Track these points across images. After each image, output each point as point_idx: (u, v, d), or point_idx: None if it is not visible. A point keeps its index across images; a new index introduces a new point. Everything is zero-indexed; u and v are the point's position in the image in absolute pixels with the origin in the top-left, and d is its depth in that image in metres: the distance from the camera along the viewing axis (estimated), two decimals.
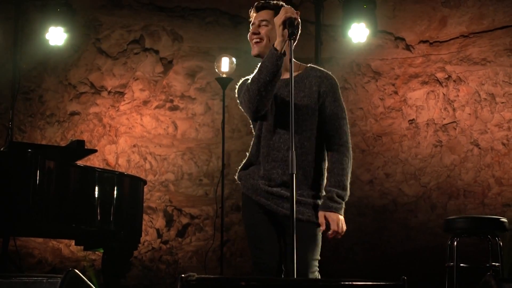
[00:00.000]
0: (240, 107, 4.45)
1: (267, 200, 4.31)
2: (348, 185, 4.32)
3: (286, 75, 4.33)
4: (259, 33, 4.38)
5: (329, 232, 4.24)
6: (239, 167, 4.57)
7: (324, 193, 4.32)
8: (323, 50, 9.83)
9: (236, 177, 4.57)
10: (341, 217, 4.25)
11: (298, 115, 4.25)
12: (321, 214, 4.25)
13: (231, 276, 7.40)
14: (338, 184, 4.27)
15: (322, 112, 4.35)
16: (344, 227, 4.26)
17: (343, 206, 4.28)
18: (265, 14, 4.42)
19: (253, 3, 4.54)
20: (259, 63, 4.24)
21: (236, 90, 4.57)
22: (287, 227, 4.16)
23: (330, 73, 4.49)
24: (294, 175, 3.87)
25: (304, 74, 4.43)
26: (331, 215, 4.23)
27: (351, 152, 4.38)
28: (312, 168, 4.32)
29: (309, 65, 4.51)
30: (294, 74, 4.24)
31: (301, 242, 4.00)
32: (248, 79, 4.44)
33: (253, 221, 4.41)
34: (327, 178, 4.34)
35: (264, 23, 4.38)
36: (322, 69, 4.50)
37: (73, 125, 10.18)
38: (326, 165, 4.39)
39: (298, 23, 4.14)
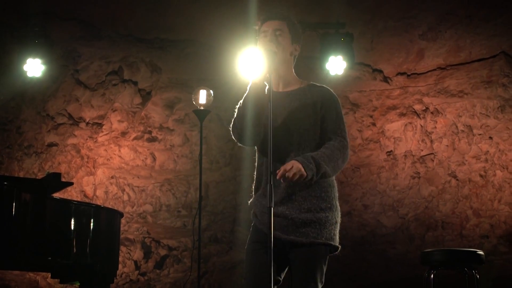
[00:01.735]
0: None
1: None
2: (327, 166, 4.17)
3: (286, 88, 4.38)
4: (277, 41, 4.35)
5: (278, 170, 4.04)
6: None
7: (330, 204, 4.29)
8: None
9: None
10: (300, 168, 4.04)
11: (299, 126, 4.27)
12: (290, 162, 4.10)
13: None
14: (319, 157, 4.14)
15: (321, 122, 4.33)
16: (294, 174, 4.01)
17: (313, 168, 4.09)
18: (278, 24, 4.41)
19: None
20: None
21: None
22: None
23: (330, 89, 4.49)
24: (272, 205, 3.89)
25: (306, 88, 4.43)
26: (295, 163, 4.05)
27: (347, 153, 4.36)
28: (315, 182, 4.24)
29: (311, 82, 4.51)
30: (295, 87, 4.39)
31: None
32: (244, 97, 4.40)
33: None
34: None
35: (278, 32, 4.38)
36: (323, 85, 4.51)
37: (51, 156, 10.14)
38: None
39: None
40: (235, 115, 4.29)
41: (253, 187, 4.45)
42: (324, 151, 4.19)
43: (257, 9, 8.28)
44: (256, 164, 4.44)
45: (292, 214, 4.18)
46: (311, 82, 4.50)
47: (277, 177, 4.01)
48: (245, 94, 4.27)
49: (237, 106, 4.35)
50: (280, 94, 4.32)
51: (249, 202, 4.50)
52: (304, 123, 4.28)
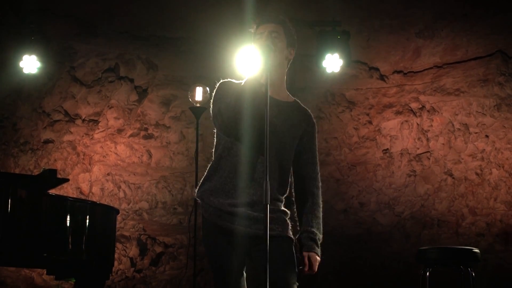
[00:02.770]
0: (211, 113, 4.37)
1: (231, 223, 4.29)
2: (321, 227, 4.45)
3: (277, 96, 4.36)
4: (273, 42, 4.34)
5: (306, 270, 4.29)
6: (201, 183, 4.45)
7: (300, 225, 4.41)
8: (297, 79, 9.87)
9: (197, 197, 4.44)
10: (318, 260, 4.33)
11: (284, 143, 4.31)
12: (305, 254, 4.30)
13: None
14: (319, 227, 4.37)
15: (301, 148, 4.40)
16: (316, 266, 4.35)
17: (318, 246, 4.37)
18: (274, 26, 4.40)
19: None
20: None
21: (214, 92, 4.42)
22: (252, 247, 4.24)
23: (311, 114, 4.55)
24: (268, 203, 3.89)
25: (295, 105, 4.47)
26: (316, 258, 4.32)
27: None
28: (280, 190, 4.35)
29: (295, 99, 4.52)
30: (285, 100, 4.41)
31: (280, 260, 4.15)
32: (228, 84, 4.41)
33: None
34: (308, 218, 4.38)
35: (274, 34, 4.37)
36: (306, 108, 4.54)
37: (46, 153, 10.13)
38: (289, 194, 4.43)
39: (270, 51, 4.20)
40: (222, 105, 4.22)
41: (208, 174, 4.40)
42: (320, 222, 4.42)
43: (253, 7, 8.28)
44: (219, 152, 4.38)
45: (253, 214, 4.21)
46: (296, 99, 4.53)
47: (303, 274, 4.30)
48: (238, 87, 4.24)
49: (220, 94, 4.33)
50: (271, 99, 4.28)
51: (196, 191, 4.42)
52: (286, 139, 4.34)
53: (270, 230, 3.94)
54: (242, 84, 4.21)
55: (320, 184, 4.46)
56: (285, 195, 4.38)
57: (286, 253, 4.23)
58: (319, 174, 4.48)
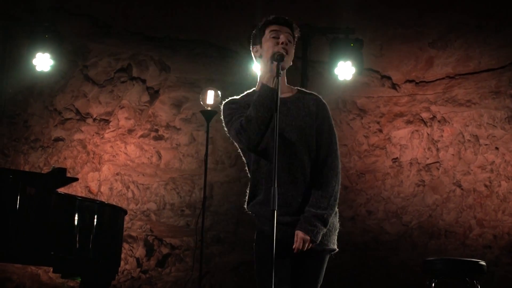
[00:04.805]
0: (231, 134, 4.31)
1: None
2: (333, 206, 4.24)
3: (282, 95, 4.28)
4: (286, 46, 4.27)
5: (293, 247, 4.15)
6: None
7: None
8: (309, 85, 9.86)
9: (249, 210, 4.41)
10: (305, 238, 4.14)
11: (304, 134, 4.25)
12: (297, 233, 4.15)
13: None
14: (319, 205, 4.19)
15: (317, 132, 4.32)
16: (302, 246, 4.17)
17: (318, 228, 4.18)
18: (288, 30, 4.34)
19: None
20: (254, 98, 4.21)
21: (222, 116, 4.40)
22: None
23: (320, 96, 4.48)
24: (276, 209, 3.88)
25: (299, 95, 4.41)
26: (301, 235, 4.14)
27: (339, 177, 4.33)
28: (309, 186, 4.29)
29: (296, 88, 4.49)
30: (289, 95, 4.35)
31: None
32: (232, 102, 4.39)
33: None
34: (312, 198, 4.23)
35: (290, 38, 4.32)
36: (311, 92, 4.50)
37: (57, 151, 10.15)
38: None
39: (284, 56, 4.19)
40: (241, 120, 4.17)
41: (249, 192, 4.38)
42: (322, 200, 4.21)
43: (265, 12, 8.29)
44: (252, 169, 4.36)
45: (287, 219, 4.17)
46: (298, 88, 4.50)
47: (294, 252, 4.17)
48: (250, 99, 4.23)
49: (229, 113, 4.31)
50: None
51: (247, 207, 4.40)
52: (305, 132, 4.28)
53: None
54: (258, 90, 4.20)
55: (335, 165, 4.29)
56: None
57: (318, 269, 4.31)
58: (336, 153, 4.33)
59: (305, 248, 4.13)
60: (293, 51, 4.37)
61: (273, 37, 4.30)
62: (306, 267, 4.27)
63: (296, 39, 4.41)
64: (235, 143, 4.36)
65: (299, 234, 4.13)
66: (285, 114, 4.26)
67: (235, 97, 4.43)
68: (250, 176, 4.38)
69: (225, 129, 4.35)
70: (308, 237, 4.13)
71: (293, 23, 4.41)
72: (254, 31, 4.47)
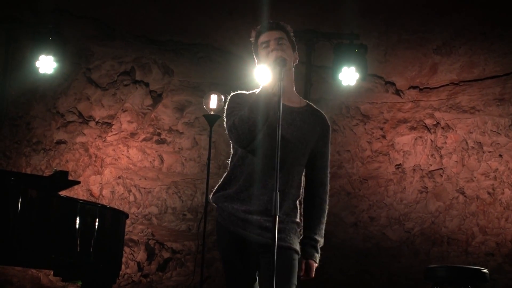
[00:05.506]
0: (226, 127, 4.33)
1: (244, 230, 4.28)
2: (322, 230, 4.41)
3: (289, 103, 4.33)
4: (281, 49, 4.29)
5: (302, 275, 4.27)
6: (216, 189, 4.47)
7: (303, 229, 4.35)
8: (312, 90, 9.86)
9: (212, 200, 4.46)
10: (314, 266, 4.32)
11: (300, 148, 4.28)
12: (304, 261, 4.28)
13: None
14: (321, 233, 4.35)
15: (315, 153, 4.37)
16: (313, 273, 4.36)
17: (317, 251, 4.35)
18: (279, 33, 4.37)
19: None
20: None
21: (225, 106, 4.42)
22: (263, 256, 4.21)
23: (325, 116, 4.51)
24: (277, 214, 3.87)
25: (307, 109, 4.43)
26: (313, 265, 4.29)
27: (328, 192, 4.47)
28: (295, 196, 4.33)
29: (307, 101, 4.50)
30: (297, 105, 4.37)
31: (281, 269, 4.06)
32: (239, 96, 4.40)
33: None
34: (313, 224, 4.35)
35: (281, 41, 4.34)
36: (319, 109, 4.51)
37: (59, 154, 10.14)
38: (301, 197, 4.40)
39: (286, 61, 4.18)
40: (236, 118, 4.20)
41: (221, 183, 4.41)
42: (322, 227, 4.39)
43: (268, 17, 8.28)
44: (234, 162, 4.40)
45: (266, 224, 4.19)
46: (307, 102, 4.51)
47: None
48: (251, 99, 4.22)
49: (232, 106, 4.33)
50: (284, 107, 4.26)
51: (212, 196, 4.43)
52: (302, 146, 4.30)
53: (280, 240, 3.98)
54: (256, 93, 4.19)
55: (328, 188, 4.44)
56: (300, 198, 4.37)
57: (289, 265, 4.21)
58: (329, 177, 4.46)
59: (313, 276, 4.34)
60: (290, 45, 4.40)
61: (264, 48, 4.36)
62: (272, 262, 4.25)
63: (291, 33, 4.43)
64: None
65: (314, 265, 4.30)
66: (289, 122, 4.28)
67: (244, 91, 4.45)
68: (229, 168, 4.42)
69: (224, 119, 4.38)
70: (317, 264, 4.32)
71: (280, 23, 4.43)
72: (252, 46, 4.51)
